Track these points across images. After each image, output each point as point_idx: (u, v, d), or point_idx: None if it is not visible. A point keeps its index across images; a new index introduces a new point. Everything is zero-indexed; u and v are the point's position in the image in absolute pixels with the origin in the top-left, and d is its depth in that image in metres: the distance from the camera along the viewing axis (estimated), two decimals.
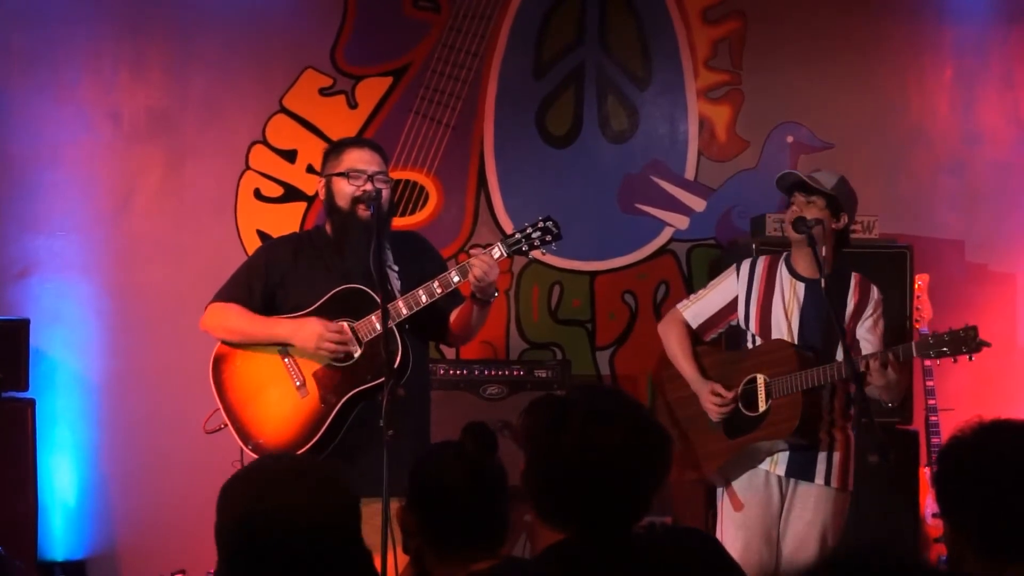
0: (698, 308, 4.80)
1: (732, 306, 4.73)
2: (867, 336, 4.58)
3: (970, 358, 4.35)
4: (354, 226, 4.36)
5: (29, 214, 6.23)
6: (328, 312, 4.32)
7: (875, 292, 4.65)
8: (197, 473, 5.83)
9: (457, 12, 6.44)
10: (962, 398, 6.11)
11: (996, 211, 6.65)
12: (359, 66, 6.41)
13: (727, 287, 4.76)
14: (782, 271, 4.67)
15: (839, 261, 4.65)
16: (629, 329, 6.52)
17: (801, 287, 4.62)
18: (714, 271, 4.95)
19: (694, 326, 4.79)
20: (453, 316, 4.46)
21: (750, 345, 4.68)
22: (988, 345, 4.33)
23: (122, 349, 6.23)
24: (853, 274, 4.68)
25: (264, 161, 6.36)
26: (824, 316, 4.52)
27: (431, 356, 5.77)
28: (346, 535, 2.29)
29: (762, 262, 4.73)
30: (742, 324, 4.71)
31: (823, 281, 4.46)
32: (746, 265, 4.74)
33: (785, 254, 4.71)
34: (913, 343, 4.40)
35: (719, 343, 4.90)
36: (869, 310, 4.62)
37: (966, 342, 4.32)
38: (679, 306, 4.86)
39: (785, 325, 4.60)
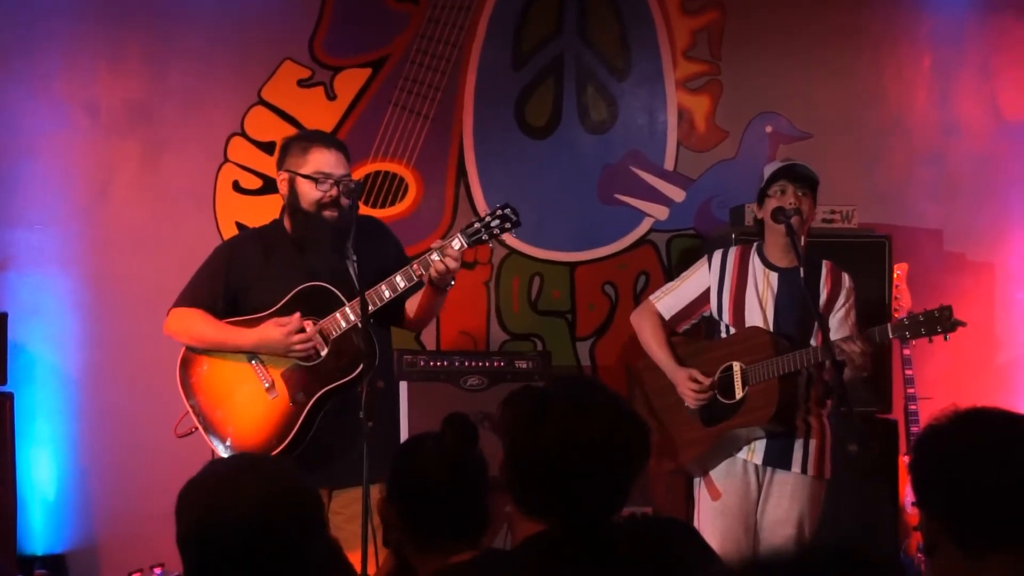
0: (671, 300, 4.81)
1: (705, 297, 4.74)
2: (839, 326, 4.59)
3: (945, 338, 4.37)
4: (317, 227, 4.34)
5: (6, 207, 6.19)
6: (290, 312, 4.30)
7: (847, 280, 4.67)
8: (177, 466, 5.78)
9: (436, 3, 6.42)
10: (941, 387, 6.13)
11: (974, 201, 6.68)
12: (337, 57, 6.40)
13: (699, 278, 4.76)
14: (754, 261, 4.68)
15: (809, 250, 4.67)
16: (609, 320, 6.53)
17: (774, 276, 4.63)
18: (691, 261, 4.95)
19: (667, 317, 4.79)
20: (409, 303, 4.46)
21: (724, 335, 4.69)
22: (963, 324, 4.35)
23: (101, 342, 6.22)
24: (824, 262, 4.69)
25: (243, 153, 6.35)
26: (799, 305, 4.55)
27: (411, 348, 5.79)
28: (306, 526, 2.30)
29: (734, 252, 4.74)
30: (715, 315, 4.72)
31: (802, 270, 4.47)
32: (717, 256, 4.75)
33: (756, 244, 4.72)
34: (889, 324, 4.41)
35: (695, 333, 4.91)
36: (842, 299, 4.64)
37: (941, 322, 4.33)
38: (651, 297, 4.88)
39: (759, 315, 4.61)
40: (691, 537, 2.67)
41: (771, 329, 4.58)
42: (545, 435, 2.46)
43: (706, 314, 4.77)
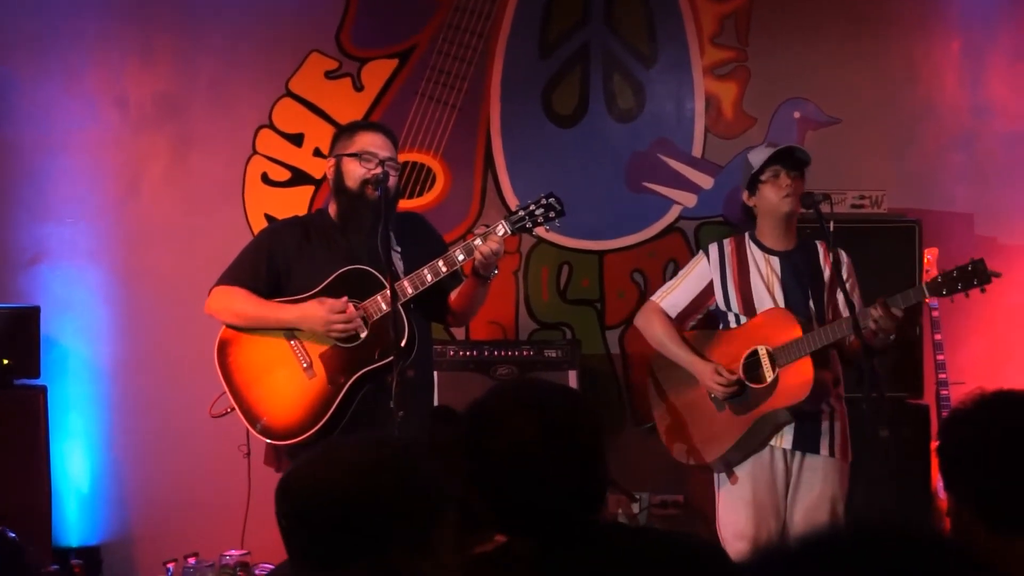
0: (674, 298, 4.80)
1: (709, 291, 4.74)
2: (846, 300, 4.59)
3: (982, 290, 4.34)
4: (361, 207, 4.39)
5: (38, 202, 6.25)
6: (333, 293, 4.34)
7: (844, 256, 4.66)
8: (209, 456, 5.88)
9: None
10: (973, 371, 6.09)
11: (1005, 184, 6.61)
12: (365, 49, 6.41)
13: (700, 273, 4.76)
14: (751, 248, 4.69)
15: (803, 232, 4.68)
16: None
17: (775, 260, 4.64)
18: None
19: (672, 315, 4.78)
20: (453, 295, 4.48)
21: (734, 325, 4.68)
22: (999, 275, 4.33)
23: (132, 335, 6.26)
24: (818, 243, 4.69)
25: (271, 145, 6.37)
26: (805, 284, 4.58)
27: (441, 338, 5.79)
28: (424, 520, 2.24)
29: (728, 243, 4.75)
30: (723, 306, 4.71)
31: (833, 254, 4.47)
32: (714, 248, 4.75)
33: (748, 232, 4.72)
34: (924, 283, 4.40)
35: (704, 327, 4.89)
36: (844, 273, 4.62)
37: (976, 275, 4.31)
38: (654, 297, 4.87)
39: (769, 299, 4.61)
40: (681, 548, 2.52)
41: None
42: (487, 456, 2.39)
43: (711, 307, 4.77)
